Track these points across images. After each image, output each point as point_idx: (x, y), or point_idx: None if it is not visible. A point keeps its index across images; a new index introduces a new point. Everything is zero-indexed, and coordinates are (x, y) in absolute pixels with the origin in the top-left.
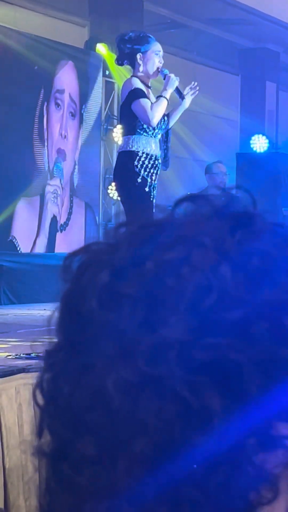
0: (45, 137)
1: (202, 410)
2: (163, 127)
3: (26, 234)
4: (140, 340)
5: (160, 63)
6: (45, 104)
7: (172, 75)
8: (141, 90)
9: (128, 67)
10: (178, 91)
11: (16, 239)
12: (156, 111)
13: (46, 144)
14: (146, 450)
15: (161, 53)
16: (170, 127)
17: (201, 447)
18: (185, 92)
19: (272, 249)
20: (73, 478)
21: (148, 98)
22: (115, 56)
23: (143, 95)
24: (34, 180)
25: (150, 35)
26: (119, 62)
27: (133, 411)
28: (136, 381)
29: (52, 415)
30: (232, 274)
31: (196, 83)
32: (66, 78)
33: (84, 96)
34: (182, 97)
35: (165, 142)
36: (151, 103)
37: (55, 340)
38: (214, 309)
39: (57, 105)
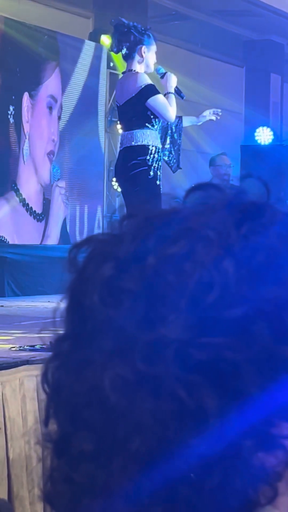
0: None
1: (197, 410)
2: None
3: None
4: (138, 337)
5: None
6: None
7: (169, 72)
8: (155, 86)
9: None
10: (177, 90)
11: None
12: (174, 107)
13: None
14: (142, 449)
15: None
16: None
17: (196, 447)
18: (205, 114)
19: (278, 244)
20: (70, 473)
21: None
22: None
23: (158, 91)
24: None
25: (149, 31)
26: (119, 47)
27: (129, 409)
28: (132, 379)
29: (56, 405)
30: (235, 271)
31: (220, 111)
32: (56, 84)
33: (87, 88)
34: (182, 95)
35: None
36: None
37: (62, 330)
38: (214, 307)
39: (49, 108)
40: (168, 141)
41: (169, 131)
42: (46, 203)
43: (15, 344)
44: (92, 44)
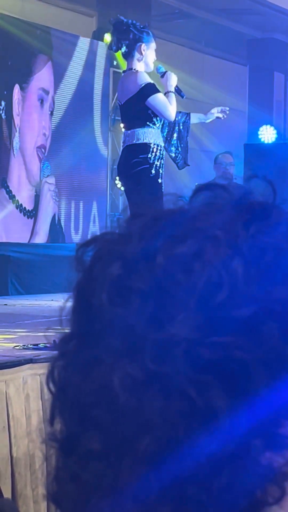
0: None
1: (207, 409)
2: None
3: None
4: (147, 337)
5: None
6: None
7: (169, 71)
8: (155, 85)
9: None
10: (178, 89)
11: None
12: (174, 106)
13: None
14: (150, 448)
15: None
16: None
17: (205, 446)
18: (213, 111)
19: (286, 244)
20: (79, 473)
21: None
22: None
23: (158, 89)
24: None
25: (148, 29)
26: (118, 45)
27: (138, 408)
28: (141, 378)
29: (62, 404)
30: (244, 270)
31: (228, 109)
32: (48, 77)
33: (83, 83)
34: (182, 95)
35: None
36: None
37: (67, 329)
38: (224, 307)
39: (40, 101)
40: (175, 136)
41: (176, 127)
42: (36, 200)
43: (18, 343)
44: (87, 40)
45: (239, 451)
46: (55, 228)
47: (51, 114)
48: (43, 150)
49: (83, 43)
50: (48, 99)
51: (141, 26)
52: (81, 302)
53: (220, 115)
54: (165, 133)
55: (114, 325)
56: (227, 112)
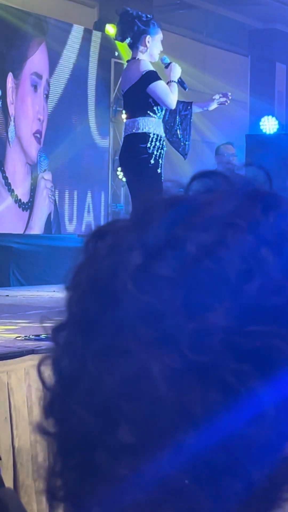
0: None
1: (249, 397)
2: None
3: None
4: (183, 326)
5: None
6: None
7: (174, 63)
8: (156, 72)
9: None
10: (181, 80)
11: None
12: (175, 95)
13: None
14: (192, 439)
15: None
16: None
17: (246, 435)
18: (216, 97)
19: None
20: (111, 466)
21: None
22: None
23: (160, 77)
24: None
25: (154, 20)
26: (124, 36)
27: (179, 399)
28: (181, 369)
29: (70, 396)
30: (273, 259)
31: (230, 94)
32: (41, 59)
33: (77, 70)
34: (185, 87)
35: (184, 130)
36: None
37: (64, 318)
38: (258, 295)
39: (34, 87)
40: (177, 126)
41: (178, 117)
42: (33, 192)
43: (20, 334)
44: (81, 28)
45: (279, 439)
46: (49, 221)
47: (46, 97)
48: (38, 135)
49: (78, 30)
50: (42, 83)
51: (148, 17)
52: (98, 291)
53: (223, 100)
54: (167, 123)
55: (142, 313)
56: (230, 96)
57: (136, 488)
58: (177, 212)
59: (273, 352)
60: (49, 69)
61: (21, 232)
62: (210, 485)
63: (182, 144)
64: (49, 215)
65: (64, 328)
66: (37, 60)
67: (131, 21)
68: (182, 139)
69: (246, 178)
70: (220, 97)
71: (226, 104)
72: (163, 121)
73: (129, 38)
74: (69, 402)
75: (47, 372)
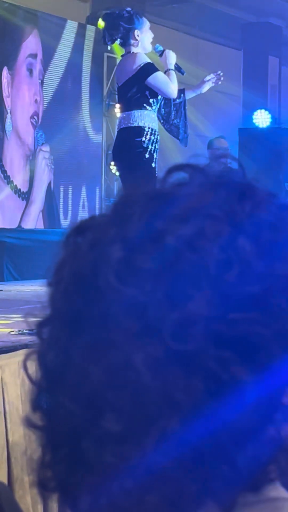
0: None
1: (232, 384)
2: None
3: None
4: (165, 316)
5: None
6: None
7: (167, 50)
8: (154, 64)
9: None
10: (177, 66)
11: None
12: (175, 84)
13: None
14: (177, 426)
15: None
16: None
17: (231, 421)
18: (208, 78)
19: (276, 220)
20: (98, 455)
21: None
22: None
23: (157, 68)
24: None
25: (137, 13)
26: (113, 39)
27: (163, 388)
28: (164, 358)
29: (57, 387)
30: (250, 248)
31: (221, 73)
32: (34, 44)
33: (72, 65)
34: (182, 71)
35: (180, 118)
36: None
37: (47, 314)
38: (237, 283)
39: (30, 71)
40: (173, 115)
41: (173, 106)
42: (31, 180)
43: (14, 328)
44: (75, 23)
45: (262, 422)
46: (50, 213)
47: (42, 83)
48: (35, 117)
49: (72, 25)
50: (37, 64)
51: (129, 13)
52: (81, 286)
53: (214, 80)
54: (163, 113)
55: (125, 305)
56: (221, 76)
57: (123, 475)
58: (156, 205)
59: (254, 338)
60: (43, 63)
61: (17, 222)
62: (196, 470)
63: (181, 131)
64: (46, 209)
65: (48, 323)
66: (30, 44)
67: (115, 23)
68: (180, 126)
69: (219, 169)
70: (211, 77)
71: (219, 83)
72: (158, 111)
73: (118, 39)
74: (55, 395)
75: (33, 367)
